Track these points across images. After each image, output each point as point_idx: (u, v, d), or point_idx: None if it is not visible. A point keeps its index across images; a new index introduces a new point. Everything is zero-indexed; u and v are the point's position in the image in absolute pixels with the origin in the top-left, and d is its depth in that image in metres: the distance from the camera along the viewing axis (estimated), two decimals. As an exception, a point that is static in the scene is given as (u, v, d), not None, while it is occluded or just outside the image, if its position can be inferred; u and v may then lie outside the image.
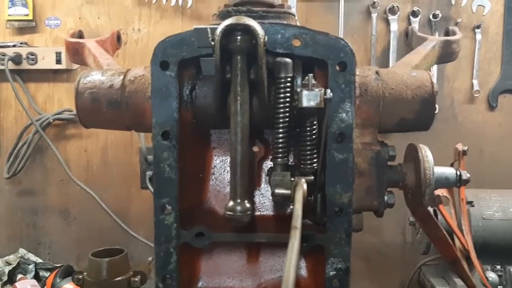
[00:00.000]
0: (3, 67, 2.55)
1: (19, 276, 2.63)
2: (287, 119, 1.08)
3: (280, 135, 1.08)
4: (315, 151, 1.08)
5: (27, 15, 2.62)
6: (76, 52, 1.49)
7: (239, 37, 0.99)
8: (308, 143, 1.08)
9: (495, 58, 2.52)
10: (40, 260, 2.71)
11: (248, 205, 1.03)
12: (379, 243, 2.65)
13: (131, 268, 2.07)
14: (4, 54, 2.57)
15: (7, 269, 2.62)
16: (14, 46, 2.61)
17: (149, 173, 2.64)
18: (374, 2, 2.46)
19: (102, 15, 2.63)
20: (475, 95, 2.51)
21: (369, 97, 1.13)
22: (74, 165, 2.72)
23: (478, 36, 2.47)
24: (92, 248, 2.02)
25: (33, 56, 2.58)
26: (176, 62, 1.09)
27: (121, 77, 1.15)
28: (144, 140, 2.57)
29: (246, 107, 1.03)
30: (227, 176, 1.28)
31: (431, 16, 2.46)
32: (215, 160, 1.29)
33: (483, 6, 2.39)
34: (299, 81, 1.10)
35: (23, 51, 2.59)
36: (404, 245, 2.63)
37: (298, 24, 1.22)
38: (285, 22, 1.15)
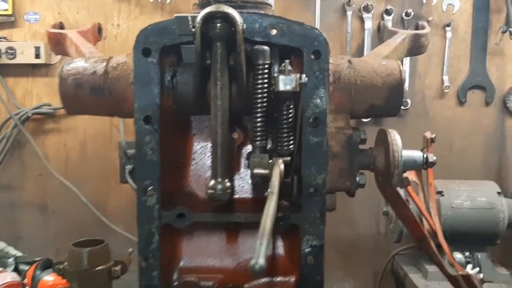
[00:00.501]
0: (-19, 62, 2.55)
1: (-1, 269, 2.62)
2: (265, 104, 1.13)
3: (259, 119, 1.14)
4: (292, 133, 1.14)
5: (6, 9, 2.62)
6: (58, 43, 1.52)
7: (218, 25, 1.04)
8: (285, 126, 1.13)
9: (464, 55, 2.63)
10: (19, 254, 2.70)
11: (228, 184, 1.09)
12: (354, 235, 2.73)
13: (112, 258, 2.09)
14: (-18, 49, 2.57)
15: (-14, 263, 2.62)
16: (-7, 40, 2.62)
17: (128, 167, 2.66)
18: (349, 0, 2.55)
19: (82, 10, 2.65)
20: (445, 91, 2.62)
21: (341, 84, 1.19)
22: (53, 159, 2.73)
23: (448, 34, 2.58)
24: (71, 242, 2.04)
25: (12, 51, 2.59)
26: (158, 49, 1.13)
27: (104, 63, 1.19)
28: (124, 134, 2.59)
29: (226, 92, 1.08)
30: (208, 161, 1.33)
31: (403, 15, 2.56)
32: (196, 146, 1.34)
33: (453, 5, 2.49)
34: (276, 68, 1.16)
35: (2, 46, 2.59)
36: (378, 236, 2.72)
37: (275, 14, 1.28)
38: (262, 12, 1.20)
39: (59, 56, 2.65)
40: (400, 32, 1.55)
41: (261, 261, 0.59)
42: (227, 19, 1.04)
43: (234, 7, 1.08)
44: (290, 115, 1.14)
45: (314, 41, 1.14)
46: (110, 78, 1.17)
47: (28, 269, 2.58)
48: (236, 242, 1.30)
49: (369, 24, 2.56)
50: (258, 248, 0.61)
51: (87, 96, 1.18)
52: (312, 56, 1.14)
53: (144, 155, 1.16)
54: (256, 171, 1.11)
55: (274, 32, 1.13)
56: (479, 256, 2.24)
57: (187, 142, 1.33)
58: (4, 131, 2.68)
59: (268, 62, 1.13)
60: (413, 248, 2.45)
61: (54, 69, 2.69)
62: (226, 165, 1.11)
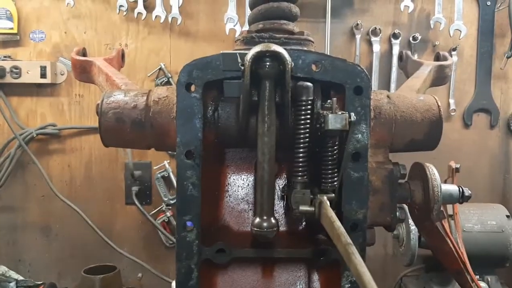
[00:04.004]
0: (-15, 81, 2.50)
1: (-2, 294, 2.55)
2: (307, 139, 1.13)
3: (300, 155, 1.13)
4: (336, 170, 1.14)
5: (11, 28, 2.58)
6: (84, 70, 1.50)
7: (268, 63, 1.04)
8: (330, 162, 1.13)
9: (469, 79, 2.67)
10: (21, 278, 2.63)
11: (273, 221, 1.08)
12: (361, 256, 2.73)
13: (123, 285, 2.06)
14: (-14, 68, 2.52)
15: (-15, 287, 2.55)
16: (-3, 59, 2.57)
17: (134, 188, 2.64)
18: (358, 24, 2.57)
19: (89, 29, 2.62)
20: (452, 114, 2.65)
21: (382, 119, 1.20)
22: (57, 180, 2.67)
23: (454, 58, 2.62)
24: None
25: (17, 70, 2.55)
26: (201, 84, 1.13)
27: (145, 97, 1.18)
28: (131, 155, 2.57)
29: (273, 129, 1.08)
30: (240, 193, 1.32)
31: (410, 38, 2.59)
32: (229, 178, 1.33)
33: (460, 31, 2.53)
34: (318, 104, 1.15)
35: (7, 65, 2.54)
36: (386, 257, 2.72)
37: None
38: (305, 49, 1.20)
39: (64, 76, 2.62)
40: (425, 63, 1.57)
41: None
42: (277, 58, 1.03)
43: (278, 44, 1.08)
44: (335, 151, 1.14)
45: (356, 77, 1.14)
46: (151, 112, 1.16)
47: (31, 293, 2.53)
48: (271, 276, 1.28)
49: (377, 48, 2.59)
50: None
51: (128, 130, 1.16)
52: (354, 92, 1.14)
53: (184, 190, 1.14)
54: (302, 208, 1.10)
55: (316, 68, 1.14)
56: (489, 279, 2.26)
57: (221, 174, 1.32)
58: (7, 152, 2.63)
59: (311, 98, 1.12)
60: (421, 270, 2.47)
61: (59, 89, 2.66)
62: (272, 201, 1.10)
